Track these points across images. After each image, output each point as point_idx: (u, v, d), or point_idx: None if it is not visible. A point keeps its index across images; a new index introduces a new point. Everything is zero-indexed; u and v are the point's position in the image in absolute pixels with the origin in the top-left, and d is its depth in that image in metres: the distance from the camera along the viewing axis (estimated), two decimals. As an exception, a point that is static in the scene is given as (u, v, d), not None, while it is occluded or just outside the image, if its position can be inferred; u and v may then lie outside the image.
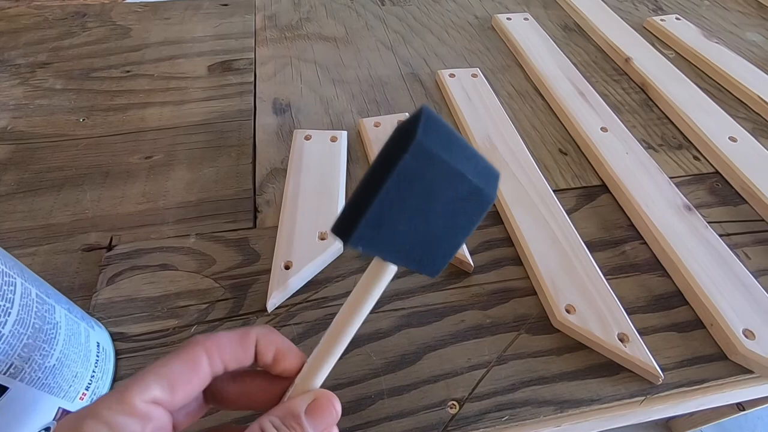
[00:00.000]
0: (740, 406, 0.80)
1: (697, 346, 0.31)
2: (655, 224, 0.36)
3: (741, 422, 0.95)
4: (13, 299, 0.20)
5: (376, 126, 0.44)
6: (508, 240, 0.36)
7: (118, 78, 0.49)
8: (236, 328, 0.19)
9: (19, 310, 0.21)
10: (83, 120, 0.45)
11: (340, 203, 0.37)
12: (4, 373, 0.20)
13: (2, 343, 0.20)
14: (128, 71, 0.50)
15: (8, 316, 0.20)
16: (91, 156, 0.41)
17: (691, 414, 0.90)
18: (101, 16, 0.59)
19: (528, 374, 0.29)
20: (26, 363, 0.21)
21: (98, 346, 0.27)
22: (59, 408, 0.23)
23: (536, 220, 0.36)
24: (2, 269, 0.20)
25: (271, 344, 0.19)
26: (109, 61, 0.51)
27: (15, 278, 0.21)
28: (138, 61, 0.52)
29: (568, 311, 0.31)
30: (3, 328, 0.20)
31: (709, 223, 0.36)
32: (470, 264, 0.33)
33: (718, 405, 0.33)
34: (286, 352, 0.19)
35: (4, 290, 0.20)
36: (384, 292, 0.33)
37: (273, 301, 0.31)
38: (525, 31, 0.57)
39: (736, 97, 0.50)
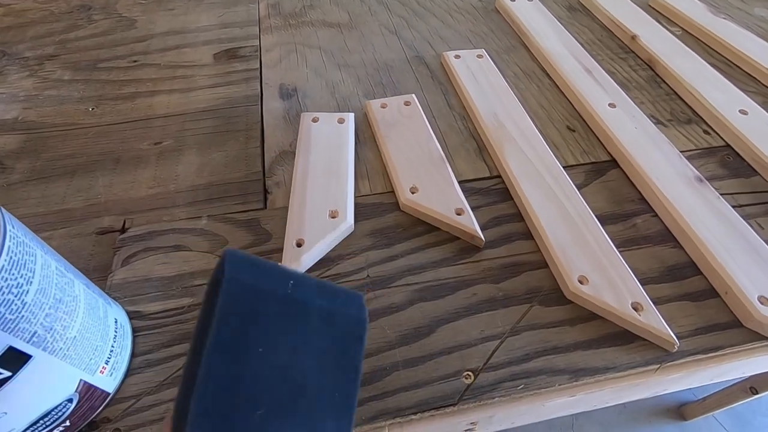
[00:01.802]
0: (753, 390, 0.79)
1: (712, 315, 0.31)
2: (667, 196, 0.36)
3: (754, 406, 0.95)
4: (35, 269, 0.21)
5: (383, 107, 0.44)
6: (518, 215, 0.36)
7: (125, 68, 0.50)
8: None
9: (40, 280, 0.21)
10: (92, 109, 0.45)
11: (350, 183, 0.37)
12: (28, 341, 0.20)
13: (25, 311, 0.20)
14: (135, 61, 0.51)
15: (30, 285, 0.20)
16: (102, 143, 0.42)
17: (703, 399, 0.89)
18: (106, 8, 0.59)
19: (542, 344, 0.29)
20: (48, 333, 0.21)
21: (116, 322, 0.27)
22: (81, 380, 0.24)
23: (546, 194, 0.36)
24: (23, 240, 0.21)
25: None
26: (115, 52, 0.52)
27: (35, 249, 0.21)
28: (144, 51, 0.52)
29: (581, 282, 0.31)
30: (26, 296, 0.20)
31: (721, 194, 0.36)
32: (481, 239, 0.33)
33: (734, 378, 0.33)
34: None
35: (26, 260, 0.20)
36: (396, 267, 0.33)
37: (286, 278, 0.31)
38: (529, 12, 0.56)
39: (745, 71, 0.49)
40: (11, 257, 0.19)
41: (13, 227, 0.20)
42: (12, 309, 0.19)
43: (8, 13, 0.58)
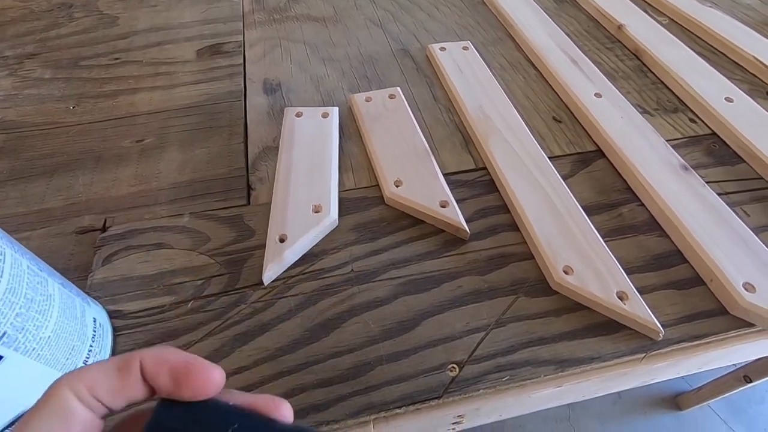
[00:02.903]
0: (747, 378, 0.80)
1: (697, 303, 0.31)
2: (652, 185, 0.36)
3: (749, 395, 0.95)
4: (3, 268, 0.20)
5: (368, 101, 0.43)
6: (503, 207, 0.36)
7: (106, 65, 0.49)
8: (114, 357, 0.15)
9: (9, 279, 0.20)
10: (73, 107, 0.44)
11: (333, 177, 0.37)
12: (-3, 342, 0.20)
13: (-7, 311, 0.19)
14: (117, 58, 0.50)
15: (-2, 285, 0.20)
16: (83, 142, 0.41)
17: (698, 389, 0.90)
18: (87, 6, 0.58)
19: (527, 336, 0.29)
20: (20, 333, 0.21)
21: (95, 321, 0.27)
22: (56, 380, 0.23)
23: (531, 186, 0.36)
24: (-10, 238, 0.20)
25: (163, 365, 0.14)
26: (97, 50, 0.51)
27: (4, 248, 0.21)
28: (126, 49, 0.51)
29: (566, 272, 0.31)
30: (-7, 296, 0.19)
31: (706, 182, 0.36)
32: (466, 231, 0.33)
33: (721, 365, 0.33)
34: (189, 369, 0.14)
35: (-7, 259, 0.20)
36: (380, 261, 0.33)
37: (269, 274, 0.31)
38: (516, 4, 0.56)
39: (731, 59, 0.49)
40: (-23, 256, 0.19)
41: (-21, 225, 0.20)
42: (-22, 309, 0.19)
43: (-12, 12, 0.57)
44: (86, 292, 0.30)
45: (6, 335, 0.20)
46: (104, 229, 0.35)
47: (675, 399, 0.95)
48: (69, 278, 0.31)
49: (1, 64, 0.49)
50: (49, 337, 0.23)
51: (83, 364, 0.25)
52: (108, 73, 0.48)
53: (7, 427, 0.22)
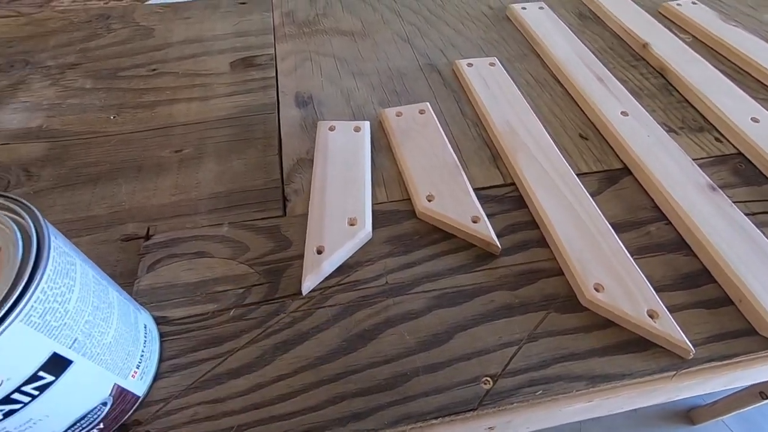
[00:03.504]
0: (763, 394, 0.79)
1: (726, 322, 0.31)
2: (680, 204, 0.36)
3: (764, 411, 0.94)
4: (75, 277, 0.22)
5: (398, 115, 0.44)
6: (532, 223, 0.37)
7: (144, 76, 0.51)
8: None
9: (80, 288, 0.22)
10: (114, 117, 0.46)
11: (367, 190, 0.38)
12: (70, 347, 0.21)
13: (68, 318, 0.21)
14: (154, 69, 0.52)
15: (72, 293, 0.21)
16: (124, 151, 0.43)
17: (713, 404, 0.89)
18: (124, 17, 0.60)
19: (559, 351, 0.30)
20: (88, 339, 0.22)
21: (145, 327, 0.28)
22: (115, 384, 0.25)
23: (560, 202, 0.37)
24: (65, 250, 0.22)
25: None
26: (135, 61, 0.53)
27: (75, 258, 0.22)
28: (162, 60, 0.53)
29: (596, 289, 0.31)
30: (68, 304, 0.21)
31: (734, 202, 0.37)
32: (497, 246, 0.34)
33: (749, 383, 0.34)
34: None
35: (68, 269, 0.21)
36: (414, 274, 0.34)
37: (307, 284, 0.32)
38: (540, 20, 0.57)
39: (756, 78, 0.50)
40: (55, 267, 0.20)
41: (55, 238, 0.21)
42: (56, 316, 0.20)
43: (30, 22, 0.60)
44: (134, 299, 0.32)
45: (77, 341, 0.21)
46: (147, 237, 0.36)
47: (688, 413, 0.94)
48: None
49: (45, 74, 0.51)
50: (110, 342, 0.24)
51: (137, 369, 0.26)
52: (146, 84, 0.50)
53: (69, 428, 0.23)
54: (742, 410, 0.83)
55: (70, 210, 0.38)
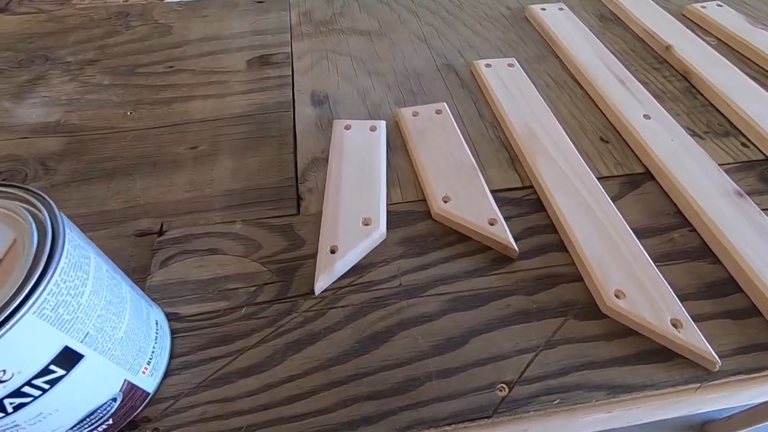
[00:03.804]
0: (782, 410, 0.77)
1: (754, 334, 0.30)
2: (705, 210, 0.35)
3: (783, 427, 0.91)
4: (89, 271, 0.21)
5: (415, 115, 0.44)
6: (551, 227, 0.36)
7: (162, 73, 0.51)
8: None
9: (93, 281, 0.22)
10: (131, 113, 0.46)
11: (382, 190, 0.37)
12: (82, 341, 0.21)
13: (80, 312, 0.21)
14: (171, 67, 0.52)
15: (85, 287, 0.21)
16: (140, 147, 0.43)
17: (728, 417, 0.87)
18: (143, 15, 0.61)
19: (578, 359, 0.29)
20: (99, 333, 0.22)
21: (156, 323, 0.28)
22: (125, 380, 0.24)
23: (580, 206, 0.36)
24: (79, 243, 0.21)
25: None
26: (152, 58, 0.53)
27: (89, 252, 0.22)
28: (180, 57, 0.53)
29: (617, 296, 0.30)
30: (81, 298, 0.21)
31: (762, 210, 0.35)
32: (515, 249, 0.33)
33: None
34: None
35: (82, 262, 0.21)
36: (428, 276, 0.33)
37: (320, 284, 0.32)
38: (560, 21, 0.56)
39: (785, 83, 0.48)
40: (69, 260, 0.20)
41: (70, 230, 0.21)
42: (69, 310, 0.20)
43: (50, 19, 0.60)
44: (147, 294, 0.32)
45: (89, 335, 0.21)
46: (161, 232, 0.36)
47: (703, 426, 0.91)
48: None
49: (64, 69, 0.52)
50: (122, 338, 0.24)
51: (147, 365, 0.26)
52: (163, 81, 0.50)
53: (79, 423, 0.23)
54: (759, 425, 0.80)
55: (85, 204, 0.38)
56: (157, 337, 0.27)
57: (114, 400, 0.24)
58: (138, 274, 0.34)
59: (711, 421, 0.90)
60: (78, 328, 0.21)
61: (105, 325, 0.22)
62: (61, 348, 0.20)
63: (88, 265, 0.22)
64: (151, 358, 0.27)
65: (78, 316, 0.20)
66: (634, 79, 0.47)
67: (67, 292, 0.20)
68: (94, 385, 0.23)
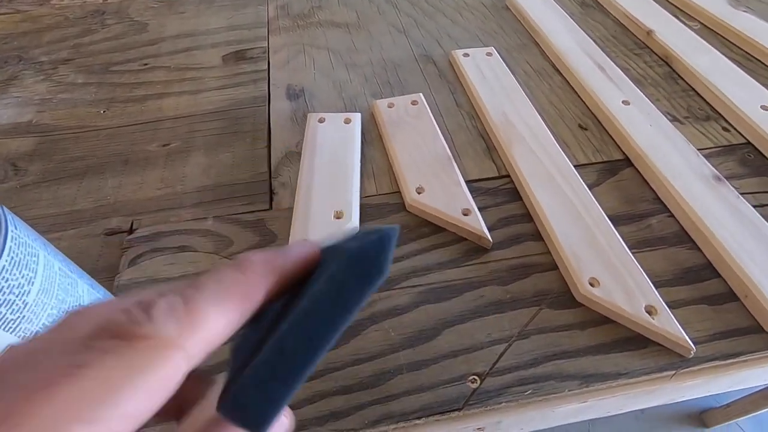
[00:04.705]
0: (778, 397, 0.76)
1: (731, 319, 0.29)
2: (683, 196, 0.34)
3: (779, 414, 0.91)
4: (37, 269, 0.21)
5: (390, 107, 0.43)
6: (527, 216, 0.35)
7: (136, 71, 0.50)
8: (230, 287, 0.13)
9: (42, 280, 0.21)
10: (104, 112, 0.46)
11: (355, 183, 0.37)
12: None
13: (27, 312, 0.20)
14: (146, 64, 0.51)
15: (32, 286, 0.20)
16: (112, 145, 0.42)
17: (726, 406, 0.86)
18: (119, 13, 0.60)
19: (551, 348, 0.28)
20: (50, 333, 0.21)
21: (120, 322, 0.27)
22: (84, 380, 0.24)
23: (556, 194, 0.35)
24: (26, 241, 0.21)
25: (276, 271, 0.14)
26: (127, 55, 0.52)
27: (38, 250, 0.22)
28: (155, 54, 0.52)
29: (591, 284, 0.30)
30: (27, 296, 0.20)
31: (741, 194, 0.35)
32: (488, 239, 0.33)
33: (756, 385, 0.32)
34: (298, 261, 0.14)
35: (28, 260, 0.20)
36: (401, 268, 0.33)
37: (290, 279, 0.31)
38: (541, 9, 0.55)
39: (766, 65, 0.47)
40: (12, 258, 0.20)
41: (15, 228, 0.20)
42: (13, 309, 0.19)
43: (26, 18, 0.60)
44: (113, 294, 0.31)
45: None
46: (131, 231, 0.35)
47: (701, 415, 0.91)
48: (97, 279, 0.31)
49: (37, 69, 0.51)
50: (78, 337, 0.23)
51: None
52: (137, 79, 0.49)
53: None
54: (757, 413, 0.80)
55: (55, 204, 0.38)
56: (120, 336, 0.27)
57: (73, 401, 0.24)
58: (108, 274, 0.33)
59: (709, 410, 0.90)
60: (25, 328, 0.20)
61: (57, 324, 0.22)
62: (6, 348, 0.19)
63: (36, 263, 0.21)
64: (114, 358, 0.26)
65: (24, 316, 0.20)
66: (614, 65, 0.47)
67: (10, 291, 0.19)
68: (48, 386, 0.22)
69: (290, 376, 0.12)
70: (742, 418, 0.84)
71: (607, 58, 0.47)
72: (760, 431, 0.90)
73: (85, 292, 0.24)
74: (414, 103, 0.43)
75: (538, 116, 0.42)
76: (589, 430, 0.92)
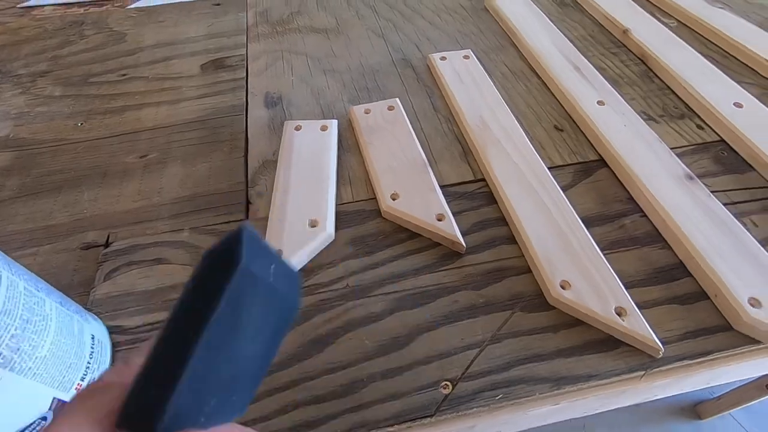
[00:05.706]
0: (769, 387, 0.77)
1: (701, 318, 0.30)
2: (655, 196, 0.35)
3: (771, 404, 0.92)
4: (-2, 291, 0.21)
5: (367, 113, 0.43)
6: (501, 219, 0.36)
7: (114, 82, 0.50)
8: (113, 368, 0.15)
9: (5, 301, 0.21)
10: (81, 124, 0.46)
11: (331, 191, 0.37)
12: (-7, 363, 0.20)
13: (-12, 334, 0.20)
14: (124, 75, 0.51)
15: (-7, 307, 0.20)
16: (89, 158, 0.42)
17: (719, 398, 0.87)
18: (98, 23, 0.60)
19: (523, 352, 0.29)
20: (15, 353, 0.21)
21: (93, 338, 0.27)
22: (54, 398, 0.24)
23: (530, 197, 0.35)
24: (-14, 262, 0.21)
25: None
26: (106, 66, 0.52)
27: (0, 271, 0.22)
28: (133, 65, 0.52)
29: (563, 287, 0.30)
30: (-12, 318, 0.20)
31: (713, 192, 0.35)
32: (462, 244, 0.33)
33: (730, 381, 0.32)
34: None
35: (-12, 282, 0.20)
36: (376, 275, 0.33)
37: (264, 290, 0.31)
38: (519, 10, 0.55)
39: (741, 61, 0.48)
40: (-28, 280, 0.20)
41: (-25, 250, 0.21)
42: (-27, 332, 0.19)
43: (5, 31, 0.59)
44: (88, 308, 0.31)
45: (1, 356, 0.21)
46: (107, 244, 0.35)
47: (695, 408, 0.92)
48: (72, 294, 0.32)
49: (15, 83, 0.51)
50: (45, 356, 0.23)
51: (81, 381, 0.26)
52: (115, 90, 0.49)
53: (6, 444, 0.23)
54: (749, 404, 0.81)
55: (31, 219, 0.38)
56: (92, 352, 0.27)
57: (44, 419, 0.24)
58: (83, 288, 0.33)
59: (702, 402, 0.91)
60: (-13, 350, 0.20)
61: (22, 344, 0.22)
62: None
63: (-2, 284, 0.21)
64: (86, 374, 0.26)
65: (-14, 338, 0.20)
66: (590, 65, 0.47)
67: (-31, 314, 0.19)
68: (15, 406, 0.22)
69: (167, 377, 0.12)
70: (734, 409, 0.84)
71: (584, 58, 0.48)
72: (752, 420, 0.90)
73: (53, 310, 0.24)
74: (390, 108, 0.43)
75: (514, 119, 0.42)
76: (584, 425, 0.92)
